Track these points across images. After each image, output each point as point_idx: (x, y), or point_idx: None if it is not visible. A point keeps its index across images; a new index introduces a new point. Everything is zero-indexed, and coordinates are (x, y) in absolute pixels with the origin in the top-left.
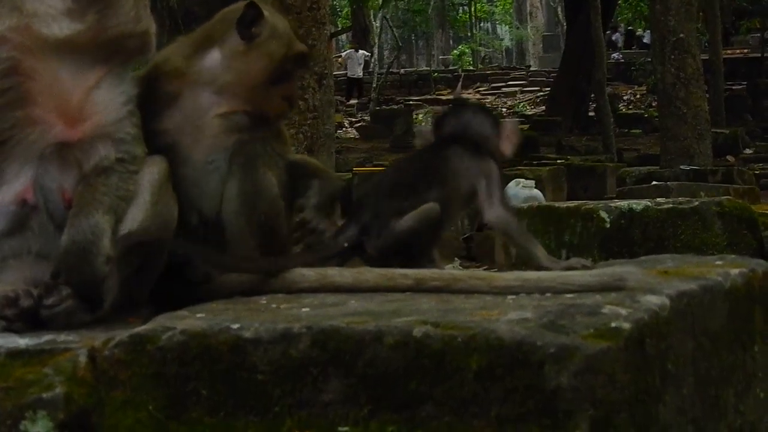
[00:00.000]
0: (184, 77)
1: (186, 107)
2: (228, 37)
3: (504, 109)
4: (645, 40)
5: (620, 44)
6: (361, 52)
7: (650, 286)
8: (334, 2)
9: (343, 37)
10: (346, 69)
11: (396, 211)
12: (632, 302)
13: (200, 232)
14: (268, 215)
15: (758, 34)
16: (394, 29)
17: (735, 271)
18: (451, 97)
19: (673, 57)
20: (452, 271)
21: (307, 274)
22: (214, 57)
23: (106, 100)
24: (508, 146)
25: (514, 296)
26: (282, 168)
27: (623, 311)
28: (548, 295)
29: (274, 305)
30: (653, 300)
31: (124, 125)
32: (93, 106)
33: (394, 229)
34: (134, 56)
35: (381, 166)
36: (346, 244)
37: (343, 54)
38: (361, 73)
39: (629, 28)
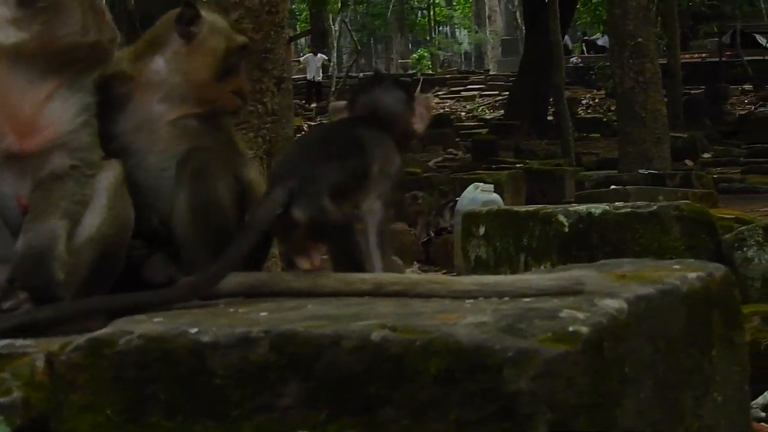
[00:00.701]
0: (133, 81)
1: (137, 112)
2: (170, 39)
3: (463, 113)
4: (600, 43)
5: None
6: (319, 55)
7: (608, 290)
8: (293, 6)
9: (303, 40)
10: (306, 73)
11: (324, 176)
12: (590, 306)
13: (162, 233)
14: (218, 227)
15: (716, 39)
16: (353, 33)
17: (693, 275)
18: None
19: (631, 61)
20: (411, 275)
21: (264, 278)
22: (158, 61)
23: (60, 112)
24: (420, 123)
25: (472, 300)
26: (233, 177)
27: (581, 315)
28: (506, 299)
29: (232, 309)
30: (611, 304)
31: (78, 135)
32: (46, 119)
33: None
34: (90, 66)
35: None
36: (278, 211)
37: (302, 58)
38: (320, 77)
39: (584, 34)
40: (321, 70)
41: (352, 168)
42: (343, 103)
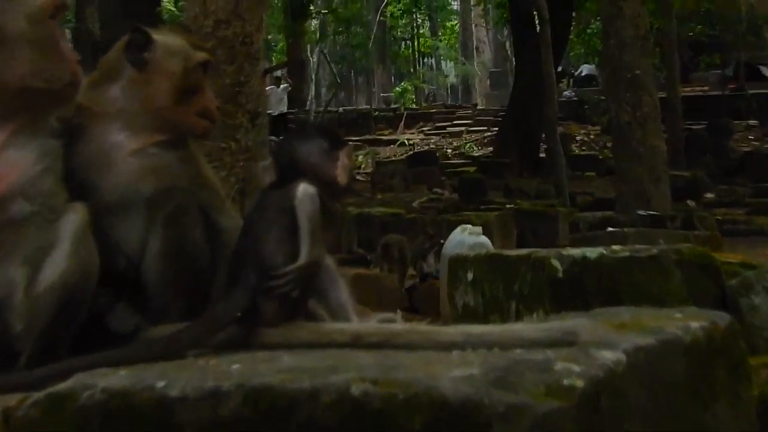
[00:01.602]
0: (88, 112)
1: (95, 144)
2: (123, 67)
3: (449, 150)
4: (585, 73)
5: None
6: (283, 86)
7: (605, 341)
8: (269, 36)
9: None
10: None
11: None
12: (586, 358)
13: (130, 276)
14: (191, 275)
15: (718, 71)
16: (332, 65)
17: (695, 324)
18: (392, 137)
19: (628, 95)
20: (392, 325)
21: (236, 330)
22: (114, 90)
23: (17, 159)
24: (341, 174)
25: (459, 351)
26: (208, 222)
27: (576, 368)
28: (495, 350)
29: (202, 361)
30: (608, 355)
31: (39, 182)
32: (3, 167)
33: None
34: (48, 109)
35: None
36: (238, 314)
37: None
38: (284, 109)
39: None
40: (284, 102)
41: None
42: (267, 162)
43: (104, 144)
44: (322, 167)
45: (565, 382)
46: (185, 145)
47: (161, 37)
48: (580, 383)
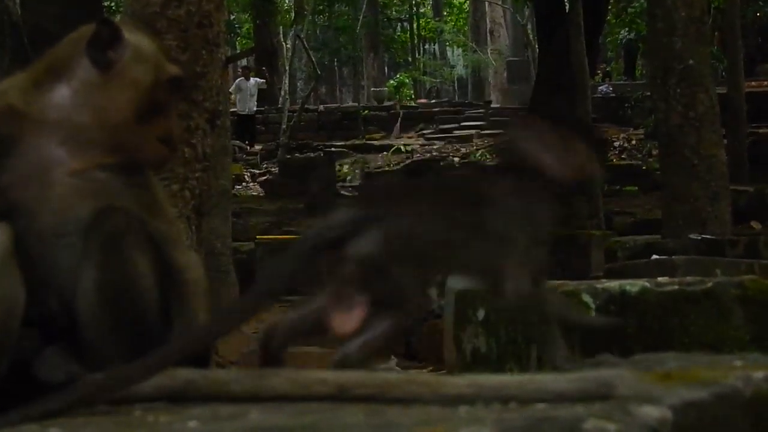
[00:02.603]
0: (24, 118)
1: (29, 158)
2: (78, 65)
3: (456, 159)
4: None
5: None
6: (253, 80)
7: (647, 395)
8: (232, 16)
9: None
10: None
11: None
12: (623, 415)
13: (60, 318)
14: (134, 313)
15: None
16: (312, 52)
17: (759, 375)
18: (386, 142)
19: (679, 91)
20: (385, 374)
21: (194, 377)
22: (61, 93)
23: None
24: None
25: (467, 407)
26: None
27: (611, 427)
28: (512, 405)
29: (151, 418)
30: (651, 412)
31: None
32: None
33: None
34: None
35: (292, 233)
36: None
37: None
38: (254, 108)
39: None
40: (255, 99)
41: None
42: None
43: (41, 159)
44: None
45: None
46: (139, 170)
47: (132, 36)
48: None
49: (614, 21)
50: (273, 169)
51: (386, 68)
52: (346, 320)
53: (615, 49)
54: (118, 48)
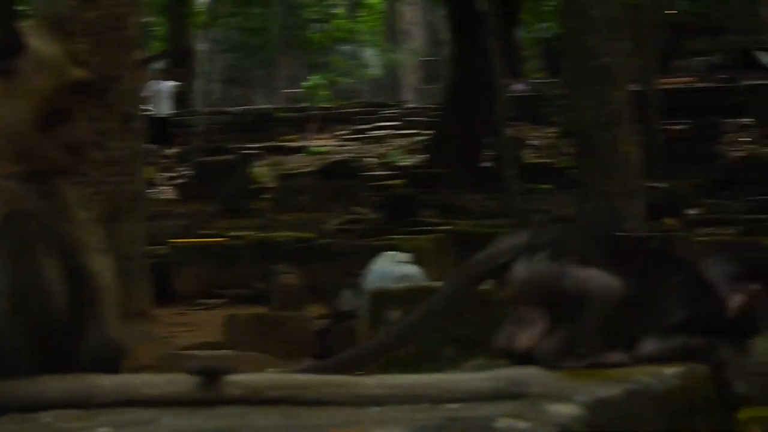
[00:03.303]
0: None
1: None
2: None
3: (372, 159)
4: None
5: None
6: (167, 83)
7: (559, 392)
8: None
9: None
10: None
11: None
12: (535, 413)
13: None
14: (44, 319)
15: (706, 58)
16: (226, 54)
17: (670, 371)
18: (301, 143)
19: (593, 89)
20: (299, 376)
21: (105, 384)
22: None
23: None
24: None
25: (379, 408)
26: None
27: (523, 425)
28: (425, 405)
29: (61, 424)
30: (563, 410)
31: None
32: None
33: None
34: None
35: (208, 236)
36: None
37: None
38: (169, 111)
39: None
40: (170, 103)
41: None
42: None
43: None
44: None
45: None
46: (48, 178)
47: (37, 42)
48: None
49: (529, 18)
50: (187, 172)
51: (301, 69)
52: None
53: (531, 47)
54: (20, 55)
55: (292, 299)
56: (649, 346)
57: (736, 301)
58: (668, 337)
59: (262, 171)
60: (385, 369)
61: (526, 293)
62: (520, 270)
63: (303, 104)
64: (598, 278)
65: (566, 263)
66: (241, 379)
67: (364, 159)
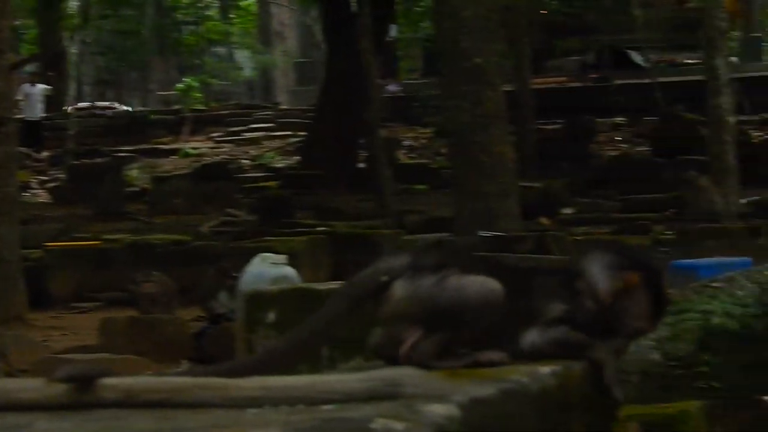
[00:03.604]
0: None
1: None
2: None
3: (246, 161)
4: None
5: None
6: (39, 86)
7: (435, 392)
8: (18, 22)
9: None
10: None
11: None
12: (411, 413)
13: None
14: None
15: (578, 58)
16: (99, 56)
17: (546, 370)
18: (175, 146)
19: (467, 89)
20: (174, 378)
21: None
22: None
23: None
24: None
25: (256, 410)
26: None
27: (399, 426)
28: (301, 406)
29: None
30: (438, 410)
31: None
32: None
33: None
34: None
35: (82, 239)
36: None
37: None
38: (41, 114)
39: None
40: (42, 106)
41: None
42: None
43: None
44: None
45: None
46: None
47: None
48: None
49: (402, 20)
50: (61, 176)
51: (174, 71)
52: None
53: (405, 48)
54: None
55: (156, 304)
56: (529, 338)
57: (610, 286)
58: (548, 328)
59: (137, 174)
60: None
61: (405, 312)
62: (400, 288)
63: (177, 106)
64: (475, 284)
65: (445, 276)
66: (116, 383)
67: (239, 161)
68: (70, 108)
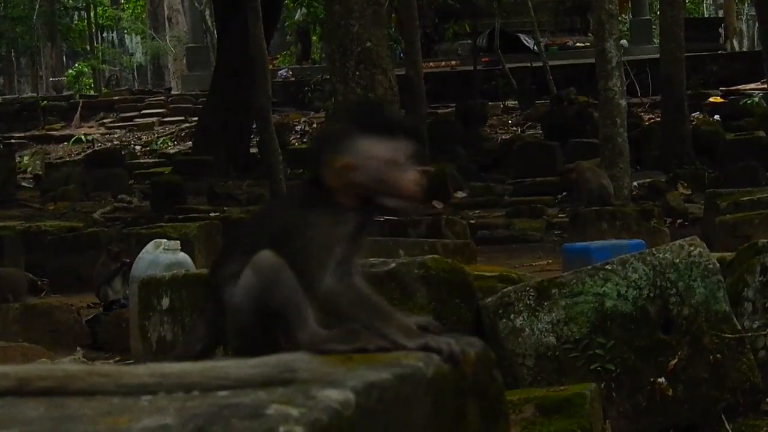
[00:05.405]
0: None
1: None
2: None
3: (138, 147)
4: None
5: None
6: None
7: (329, 378)
8: None
9: None
10: None
11: None
12: (306, 399)
13: None
14: None
15: (469, 41)
16: None
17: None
18: (66, 132)
19: (358, 73)
20: (67, 366)
21: None
22: None
23: None
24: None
25: (150, 397)
26: None
27: (294, 411)
28: (195, 393)
29: None
30: (333, 395)
31: None
32: None
33: None
34: None
35: None
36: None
37: None
38: None
39: None
40: None
41: None
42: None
43: None
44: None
45: (281, 429)
46: None
47: None
48: (298, 430)
49: (291, 5)
50: None
51: (65, 58)
52: None
53: (294, 32)
54: None
55: (10, 292)
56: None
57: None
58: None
59: (28, 160)
60: (157, 357)
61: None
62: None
63: (67, 93)
64: (246, 278)
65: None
66: (7, 371)
67: (131, 147)
68: None
